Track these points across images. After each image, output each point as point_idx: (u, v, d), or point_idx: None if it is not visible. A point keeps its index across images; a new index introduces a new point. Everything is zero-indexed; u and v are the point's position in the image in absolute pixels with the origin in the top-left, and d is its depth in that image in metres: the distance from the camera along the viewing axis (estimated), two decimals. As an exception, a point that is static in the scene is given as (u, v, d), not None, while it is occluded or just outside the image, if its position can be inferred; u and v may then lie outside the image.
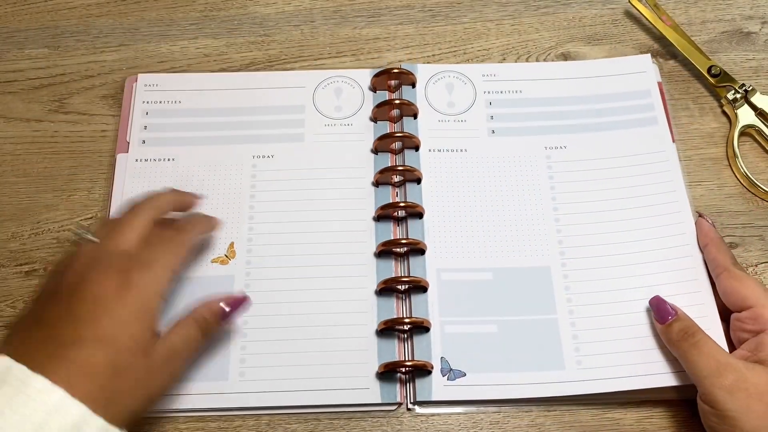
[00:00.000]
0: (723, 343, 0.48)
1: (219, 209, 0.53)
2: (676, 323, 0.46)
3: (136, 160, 0.55)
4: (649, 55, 0.59)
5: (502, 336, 0.49)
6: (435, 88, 0.58)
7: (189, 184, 0.54)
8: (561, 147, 0.55)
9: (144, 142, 0.56)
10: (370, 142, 0.56)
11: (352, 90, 0.59)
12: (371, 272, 0.51)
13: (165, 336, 0.42)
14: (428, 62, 0.60)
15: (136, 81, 0.59)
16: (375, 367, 0.49)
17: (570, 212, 0.53)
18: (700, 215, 0.52)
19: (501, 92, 0.58)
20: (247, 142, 0.56)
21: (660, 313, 0.47)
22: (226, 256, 0.52)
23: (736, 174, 0.56)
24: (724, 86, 0.58)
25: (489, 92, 0.58)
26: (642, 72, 0.58)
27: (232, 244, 0.52)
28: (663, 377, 0.47)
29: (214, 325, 0.44)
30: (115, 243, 0.43)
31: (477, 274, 0.51)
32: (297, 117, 0.57)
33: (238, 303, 0.45)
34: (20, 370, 0.36)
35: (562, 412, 0.48)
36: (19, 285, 0.53)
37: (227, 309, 0.45)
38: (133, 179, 0.55)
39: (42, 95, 0.60)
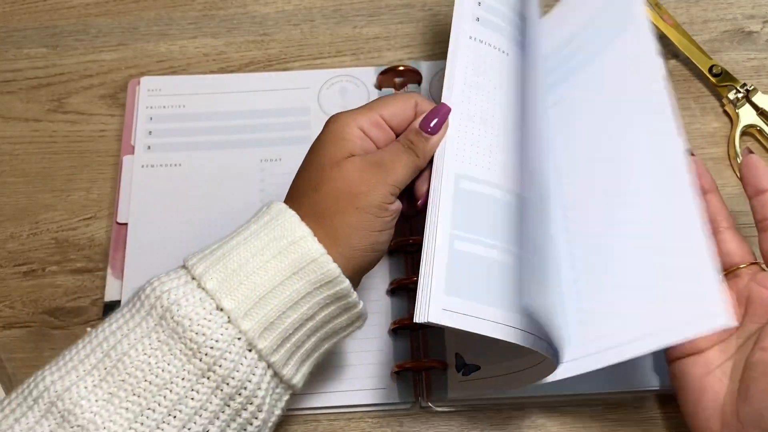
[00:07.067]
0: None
1: (229, 214, 0.53)
2: None
3: (142, 166, 0.55)
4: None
5: None
6: (440, 85, 0.57)
7: (197, 189, 0.54)
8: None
9: (149, 147, 0.56)
10: None
11: (356, 89, 0.59)
12: (383, 271, 0.52)
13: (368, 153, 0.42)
14: (428, 61, 0.60)
15: (139, 84, 0.58)
16: (390, 367, 0.49)
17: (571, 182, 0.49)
18: (751, 151, 0.47)
19: None
20: (253, 145, 0.56)
21: None
22: None
23: (737, 174, 0.55)
24: (726, 86, 0.58)
25: None
26: None
27: None
28: (659, 337, 0.42)
29: (422, 142, 0.43)
30: None
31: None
32: (303, 119, 0.57)
33: (434, 116, 0.43)
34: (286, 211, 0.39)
35: (562, 412, 0.48)
36: (18, 285, 0.53)
37: (425, 124, 0.43)
38: (140, 185, 0.55)
39: (41, 95, 0.59)
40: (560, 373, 0.44)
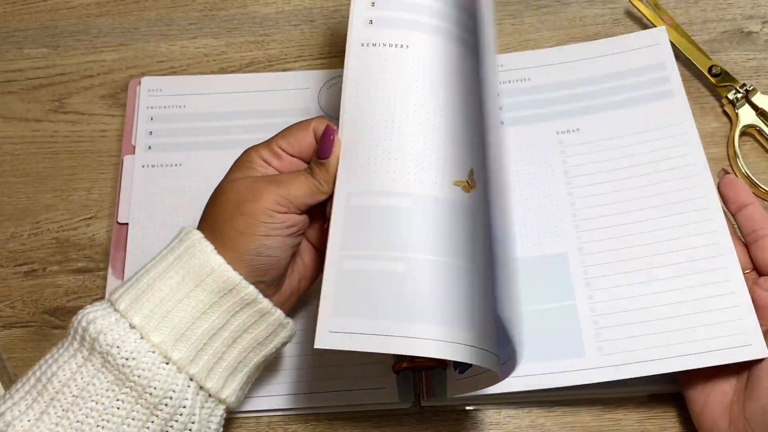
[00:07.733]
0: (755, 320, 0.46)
1: None
2: None
3: (143, 166, 0.55)
4: (664, 27, 0.57)
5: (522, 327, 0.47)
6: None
7: (197, 189, 0.54)
8: (574, 130, 0.54)
9: (150, 147, 0.56)
10: None
11: None
12: None
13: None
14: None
15: (140, 84, 0.58)
16: (389, 367, 0.49)
17: (586, 195, 0.52)
18: (727, 172, 0.50)
19: (509, 82, 0.57)
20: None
21: None
22: None
23: (737, 174, 0.55)
24: (725, 86, 0.58)
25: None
26: (656, 45, 0.56)
27: None
28: (687, 359, 0.45)
29: (319, 167, 0.43)
30: None
31: None
32: (302, 120, 0.57)
33: (324, 140, 0.43)
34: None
35: (562, 412, 0.48)
36: (18, 285, 0.53)
37: (318, 150, 0.43)
38: (140, 185, 0.55)
39: (41, 95, 0.60)
40: (574, 380, 0.45)
